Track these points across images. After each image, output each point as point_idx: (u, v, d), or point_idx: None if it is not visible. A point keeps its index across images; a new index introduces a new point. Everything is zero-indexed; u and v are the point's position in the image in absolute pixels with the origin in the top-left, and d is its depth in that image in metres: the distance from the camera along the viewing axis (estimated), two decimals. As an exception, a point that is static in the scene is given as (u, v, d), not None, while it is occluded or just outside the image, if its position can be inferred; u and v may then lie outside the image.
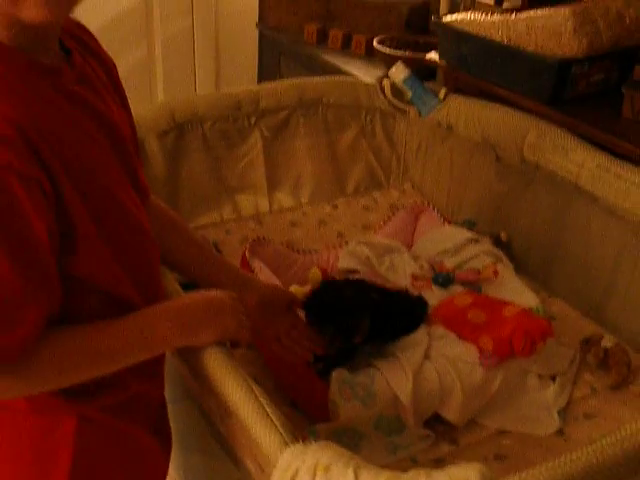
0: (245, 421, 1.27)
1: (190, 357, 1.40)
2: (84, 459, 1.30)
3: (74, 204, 1.14)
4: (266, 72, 3.64)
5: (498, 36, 2.31)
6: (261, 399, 1.29)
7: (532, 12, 2.26)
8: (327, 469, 1.12)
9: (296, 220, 2.42)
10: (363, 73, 3.08)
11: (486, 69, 2.37)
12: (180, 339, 1.34)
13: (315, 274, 1.85)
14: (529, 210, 2.26)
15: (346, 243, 2.19)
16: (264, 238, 2.09)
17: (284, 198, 2.47)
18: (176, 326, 1.32)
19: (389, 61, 2.99)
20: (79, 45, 1.28)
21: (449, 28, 2.45)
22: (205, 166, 2.34)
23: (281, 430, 1.23)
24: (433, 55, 2.63)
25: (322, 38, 3.37)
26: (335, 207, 2.49)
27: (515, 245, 2.26)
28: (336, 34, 3.31)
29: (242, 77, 3.72)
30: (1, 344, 1.09)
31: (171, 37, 3.63)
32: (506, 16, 2.31)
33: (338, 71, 3.13)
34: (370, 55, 3.22)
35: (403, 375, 1.64)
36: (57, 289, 1.14)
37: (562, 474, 1.13)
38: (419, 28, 3.27)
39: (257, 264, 1.92)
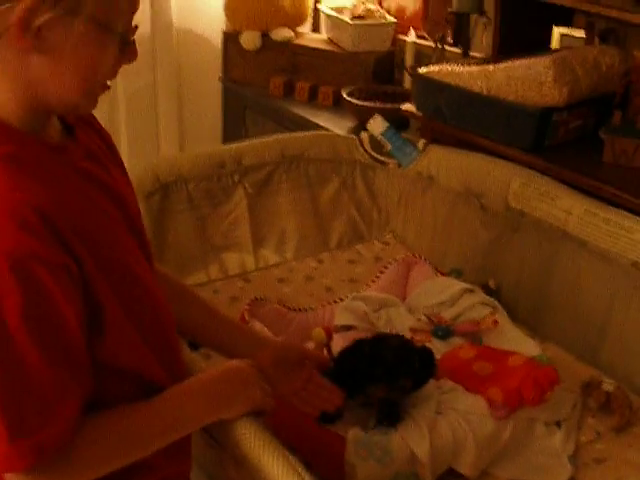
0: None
1: (219, 432, 1.38)
2: None
3: (99, 284, 1.13)
4: (231, 127, 3.65)
5: (477, 86, 2.35)
6: (300, 470, 1.28)
7: (510, 62, 2.30)
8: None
9: (283, 276, 2.42)
10: (331, 124, 3.11)
11: (466, 119, 2.40)
12: (210, 417, 1.33)
13: (319, 334, 1.84)
14: (517, 257, 2.29)
15: (340, 299, 2.18)
16: (261, 299, 2.09)
17: (269, 255, 2.47)
18: (204, 404, 1.32)
19: (358, 112, 3.04)
20: (79, 120, 1.27)
21: (427, 79, 2.48)
22: (190, 226, 2.33)
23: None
24: (409, 106, 2.65)
25: (288, 91, 3.39)
26: (320, 262, 2.50)
27: (504, 292, 2.28)
28: (303, 86, 3.33)
29: (206, 132, 3.72)
30: (40, 441, 1.07)
31: (134, 93, 3.61)
32: (484, 67, 2.35)
33: (306, 123, 3.15)
34: (337, 106, 3.25)
35: (419, 431, 1.64)
36: (89, 377, 1.13)
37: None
38: (385, 78, 3.31)
39: (257, 325, 1.91)
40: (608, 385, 1.96)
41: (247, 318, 1.94)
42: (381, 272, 2.25)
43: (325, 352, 1.85)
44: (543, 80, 2.21)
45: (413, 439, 1.63)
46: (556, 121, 2.29)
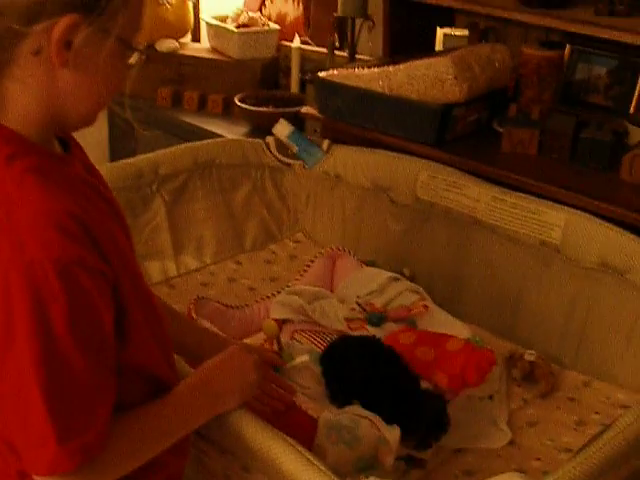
0: (292, 471, 1.33)
1: (213, 425, 1.44)
2: None
3: (124, 289, 1.19)
4: (118, 142, 3.66)
5: (379, 86, 2.48)
6: (299, 448, 1.37)
7: (409, 63, 2.45)
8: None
9: (206, 280, 2.49)
10: (224, 131, 3.20)
11: (369, 118, 2.53)
12: (217, 409, 1.41)
13: (271, 326, 1.93)
14: (429, 245, 2.43)
15: (267, 297, 2.27)
16: (203, 297, 2.15)
17: (189, 260, 2.53)
18: (209, 398, 1.40)
19: (251, 117, 3.13)
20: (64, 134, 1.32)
21: (327, 82, 2.60)
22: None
23: (330, 474, 1.32)
24: (308, 108, 2.77)
25: (177, 101, 3.44)
26: (239, 263, 2.58)
27: (419, 280, 2.41)
28: (191, 95, 3.40)
29: (92, 149, 3.71)
30: (86, 443, 1.13)
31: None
32: (384, 68, 2.49)
33: (198, 131, 3.22)
34: (227, 113, 3.34)
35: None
36: (116, 380, 1.18)
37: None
38: (271, 84, 3.42)
39: (205, 322, 1.98)
40: (529, 356, 2.12)
41: (194, 317, 2.00)
42: (307, 266, 2.34)
43: (275, 344, 1.93)
44: (444, 78, 2.36)
45: (384, 426, 1.72)
46: (455, 116, 2.45)
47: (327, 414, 1.72)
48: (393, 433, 1.69)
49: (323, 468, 1.33)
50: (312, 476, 1.32)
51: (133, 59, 1.19)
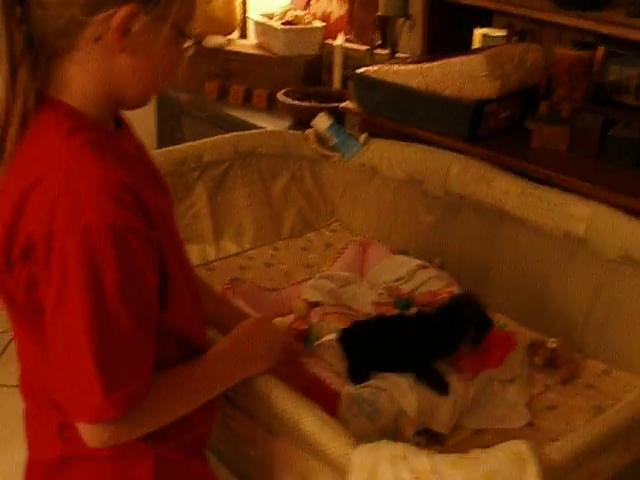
0: (310, 430, 1.43)
1: (241, 389, 1.54)
2: None
3: (168, 256, 1.30)
4: (167, 133, 3.79)
5: (415, 83, 2.57)
6: (318, 411, 1.46)
7: (445, 60, 2.53)
8: (404, 457, 1.31)
9: (244, 264, 2.59)
10: (267, 125, 3.30)
11: (405, 113, 2.63)
12: (245, 372, 1.51)
13: (300, 305, 2.03)
14: (459, 237, 2.52)
15: (303, 281, 2.37)
16: (237, 279, 2.26)
17: (229, 245, 2.64)
18: (237, 362, 1.50)
19: (294, 112, 3.23)
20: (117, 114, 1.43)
21: (367, 78, 2.70)
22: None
23: (349, 436, 1.41)
24: (348, 103, 2.87)
25: (223, 95, 3.57)
26: (276, 249, 2.68)
27: (448, 268, 2.49)
28: (237, 90, 3.52)
29: (141, 133, 3.85)
30: (129, 394, 1.23)
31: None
32: (420, 65, 2.58)
33: (242, 125, 3.33)
34: (271, 108, 3.45)
35: (408, 391, 1.83)
36: (156, 341, 1.29)
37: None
38: (314, 80, 3.52)
39: (240, 302, 2.09)
40: (552, 343, 2.20)
41: (230, 295, 2.11)
42: (340, 253, 2.44)
43: (304, 323, 2.03)
44: (477, 75, 2.45)
45: (402, 397, 1.82)
46: (487, 112, 2.54)
47: (349, 388, 1.82)
48: (411, 404, 1.77)
49: (343, 431, 1.42)
50: (332, 438, 1.41)
51: (187, 46, 1.29)
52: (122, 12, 1.19)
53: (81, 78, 1.25)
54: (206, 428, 1.52)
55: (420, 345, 1.90)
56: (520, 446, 1.33)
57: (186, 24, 1.26)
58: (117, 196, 1.18)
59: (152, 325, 1.27)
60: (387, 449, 1.34)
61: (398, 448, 1.34)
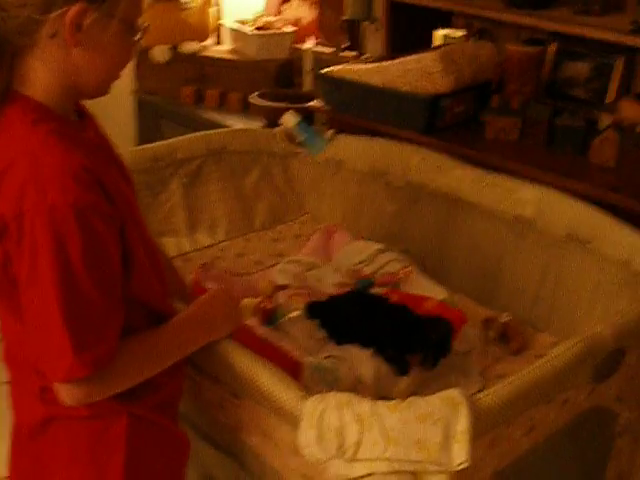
0: (266, 386, 1.58)
1: (205, 355, 1.69)
2: (135, 454, 1.52)
3: (130, 232, 1.44)
4: (146, 136, 3.93)
5: (374, 80, 2.73)
6: (274, 369, 1.61)
7: (402, 58, 2.69)
8: (349, 404, 1.46)
9: (217, 255, 2.74)
10: (241, 125, 3.45)
11: (367, 110, 2.79)
12: (205, 338, 1.65)
13: (266, 285, 2.18)
14: (419, 223, 2.67)
15: (273, 265, 2.52)
16: (206, 264, 2.41)
17: (203, 238, 2.79)
18: (201, 328, 1.64)
19: (266, 113, 3.38)
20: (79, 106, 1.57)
21: (330, 78, 2.86)
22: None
23: (299, 387, 1.56)
24: (316, 102, 3.03)
25: (199, 99, 3.72)
26: (248, 241, 2.83)
27: (412, 253, 2.65)
28: (212, 93, 3.67)
29: (121, 143, 4.00)
30: (97, 355, 1.37)
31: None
32: (379, 64, 2.74)
33: (218, 127, 3.47)
34: (246, 110, 3.60)
35: (365, 361, 1.98)
36: (122, 309, 1.43)
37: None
38: (286, 83, 3.68)
39: (209, 285, 2.23)
40: (504, 318, 2.35)
41: (200, 280, 2.26)
42: (307, 240, 2.60)
43: (270, 301, 2.19)
44: (432, 71, 2.61)
45: (360, 366, 1.96)
46: (443, 106, 2.70)
47: (310, 358, 1.97)
48: (368, 373, 1.92)
49: (296, 385, 1.56)
50: (285, 391, 1.56)
51: (137, 37, 1.43)
52: (73, 9, 1.33)
53: (42, 72, 1.38)
54: (174, 391, 1.66)
55: (388, 330, 2.05)
56: (454, 392, 1.48)
57: (134, 18, 1.41)
58: (78, 177, 1.32)
59: (116, 292, 1.41)
60: (334, 398, 1.48)
61: (343, 397, 1.48)
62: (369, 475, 1.43)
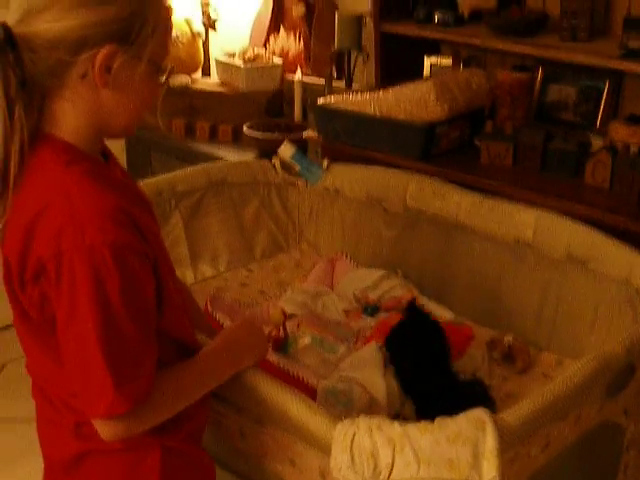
0: (296, 413, 1.62)
1: (231, 384, 1.73)
2: None
3: (162, 268, 1.48)
4: (136, 169, 3.97)
5: (370, 110, 2.79)
6: (302, 396, 1.66)
7: (397, 88, 2.76)
8: (379, 427, 1.51)
9: (221, 285, 2.78)
10: (233, 157, 3.50)
11: (362, 138, 2.85)
12: (237, 368, 1.69)
13: (277, 314, 2.23)
14: (418, 248, 2.73)
15: (281, 294, 2.57)
16: (215, 295, 2.45)
17: (206, 269, 2.83)
18: (228, 359, 1.68)
19: (259, 143, 3.44)
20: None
21: (327, 109, 2.92)
22: (138, 248, 2.67)
23: (328, 413, 1.61)
24: (310, 132, 3.09)
25: (189, 131, 3.77)
26: (250, 271, 2.88)
27: (410, 278, 2.71)
28: (203, 126, 3.72)
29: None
30: (136, 390, 1.41)
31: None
32: (374, 93, 2.81)
33: (210, 158, 3.51)
34: (236, 141, 3.66)
35: (376, 381, 2.04)
36: (156, 343, 1.47)
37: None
38: (276, 113, 3.74)
39: (219, 316, 2.28)
40: (508, 338, 2.41)
41: (210, 310, 2.30)
42: (308, 268, 2.65)
43: (281, 330, 2.23)
44: (427, 99, 2.68)
45: (373, 387, 2.02)
46: (439, 133, 2.76)
47: (325, 382, 2.02)
48: (381, 392, 1.97)
49: (325, 412, 1.61)
50: (315, 417, 1.60)
51: (163, 78, 1.48)
52: (103, 51, 1.37)
53: (71, 113, 1.42)
54: (203, 419, 1.70)
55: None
56: (480, 413, 1.53)
57: (161, 59, 1.45)
58: (115, 217, 1.35)
59: (152, 328, 1.45)
60: (364, 422, 1.53)
61: (374, 421, 1.53)
62: (404, 495, 1.47)
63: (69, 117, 1.42)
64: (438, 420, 1.52)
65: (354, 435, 1.52)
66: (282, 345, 2.22)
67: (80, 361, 1.39)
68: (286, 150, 2.92)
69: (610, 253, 2.27)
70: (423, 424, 1.52)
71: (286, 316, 2.23)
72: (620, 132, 2.57)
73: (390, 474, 1.47)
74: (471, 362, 2.30)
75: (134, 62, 1.40)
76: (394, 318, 2.32)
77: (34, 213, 1.37)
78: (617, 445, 2.07)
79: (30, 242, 1.37)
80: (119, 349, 1.38)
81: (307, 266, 2.82)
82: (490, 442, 1.48)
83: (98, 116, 1.43)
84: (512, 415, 1.57)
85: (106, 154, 1.55)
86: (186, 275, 2.80)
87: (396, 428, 1.51)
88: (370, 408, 2.02)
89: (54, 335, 1.41)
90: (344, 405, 1.98)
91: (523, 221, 2.45)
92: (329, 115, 2.92)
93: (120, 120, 1.46)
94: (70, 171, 1.39)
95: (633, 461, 2.14)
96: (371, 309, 2.42)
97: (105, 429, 1.44)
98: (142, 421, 1.47)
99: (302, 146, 3.26)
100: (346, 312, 2.42)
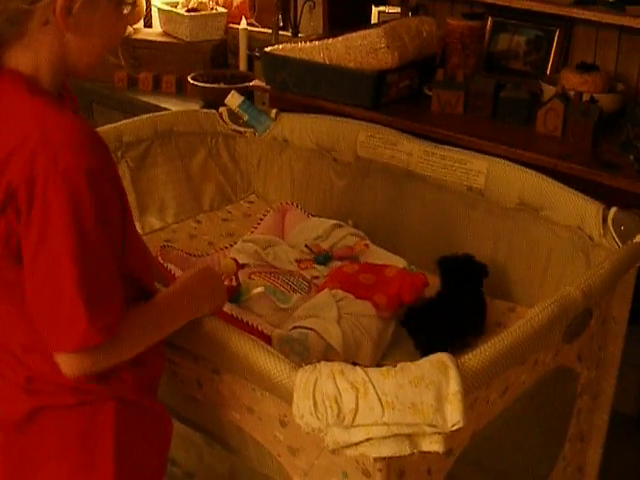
0: (257, 361, 1.59)
1: (189, 331, 1.70)
2: (124, 437, 1.52)
3: (126, 203, 1.45)
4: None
5: (320, 58, 2.75)
6: (262, 343, 1.63)
7: (347, 35, 2.72)
8: (342, 372, 1.49)
9: (169, 237, 2.73)
10: (178, 108, 3.43)
11: (311, 87, 2.81)
12: (196, 311, 1.66)
13: (229, 264, 2.19)
14: (369, 198, 2.70)
15: (226, 247, 2.53)
16: (166, 246, 2.40)
17: (153, 220, 2.77)
18: (192, 302, 1.64)
19: (204, 94, 3.38)
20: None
21: (273, 56, 2.87)
22: (83, 199, 2.60)
23: (287, 360, 1.58)
24: (257, 82, 3.03)
25: (133, 82, 3.68)
26: (199, 222, 2.83)
27: (361, 228, 2.68)
28: (146, 77, 3.64)
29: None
30: (109, 322, 1.37)
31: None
32: (324, 41, 2.76)
33: (154, 110, 3.44)
34: (181, 92, 3.59)
35: (330, 328, 2.02)
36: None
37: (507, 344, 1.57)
38: (221, 64, 3.67)
39: (171, 267, 2.23)
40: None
41: (161, 261, 2.25)
42: (260, 220, 2.61)
43: (233, 280, 2.19)
44: (377, 47, 2.64)
45: (327, 334, 2.00)
46: (389, 81, 2.73)
47: (279, 331, 1.99)
48: (337, 339, 1.95)
49: (285, 358, 1.58)
50: (277, 364, 1.57)
51: (126, 11, 1.43)
52: None
53: (35, 59, 1.38)
54: (157, 369, 1.67)
55: None
56: (442, 356, 1.51)
57: None
58: (88, 142, 1.33)
59: (115, 267, 1.40)
60: (326, 367, 1.51)
61: (336, 366, 1.51)
62: (367, 440, 1.46)
63: (32, 62, 1.39)
64: (401, 364, 1.51)
65: (316, 381, 1.49)
66: (235, 295, 2.18)
67: (50, 291, 1.34)
68: (233, 99, 2.87)
69: (562, 200, 2.27)
70: (386, 368, 1.50)
71: (239, 266, 2.19)
72: (571, 80, 2.57)
73: (354, 419, 1.45)
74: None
75: (95, 2, 1.37)
76: (350, 266, 2.30)
77: (8, 145, 1.33)
78: (571, 391, 2.09)
79: (2, 170, 1.33)
80: (93, 277, 1.34)
81: (256, 217, 2.78)
82: (453, 385, 1.47)
83: (62, 60, 1.40)
84: (474, 359, 1.56)
85: (62, 94, 1.50)
86: (134, 227, 2.73)
87: (359, 373, 1.48)
88: (326, 356, 2.00)
89: (16, 271, 1.36)
90: (299, 354, 1.96)
91: (475, 169, 2.43)
92: (277, 63, 2.87)
93: (84, 60, 1.42)
94: (36, 100, 1.36)
95: (586, 406, 2.16)
96: (323, 258, 2.39)
97: (71, 363, 1.40)
98: (110, 356, 1.43)
99: (248, 96, 3.21)
100: (298, 262, 2.39)
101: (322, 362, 1.53)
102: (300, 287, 2.28)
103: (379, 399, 1.45)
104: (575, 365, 2.03)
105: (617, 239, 2.10)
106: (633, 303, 2.12)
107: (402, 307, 2.18)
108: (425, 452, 1.48)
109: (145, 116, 2.79)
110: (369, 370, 1.48)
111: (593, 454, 2.28)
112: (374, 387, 1.46)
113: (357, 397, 1.46)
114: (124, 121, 2.73)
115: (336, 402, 1.46)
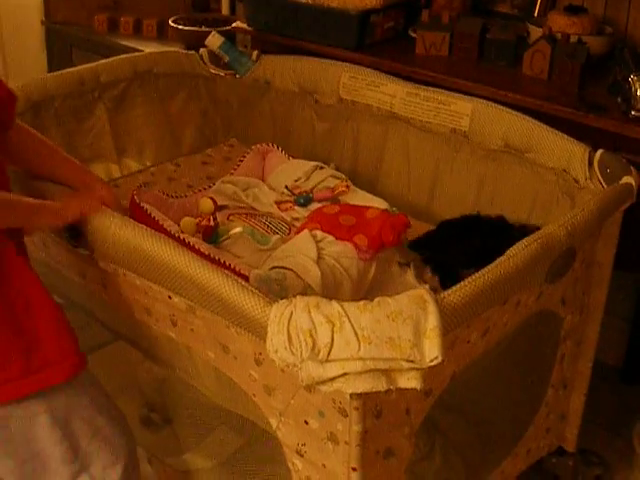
0: (230, 295, 1.55)
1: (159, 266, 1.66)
2: None
3: None
4: (57, 67, 3.80)
5: (303, -2, 2.69)
6: (235, 278, 1.58)
7: (330, -27, 2.65)
8: (317, 306, 1.45)
9: (147, 180, 2.68)
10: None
11: (294, 28, 2.74)
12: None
13: (207, 204, 2.14)
14: (351, 140, 2.65)
15: (210, 187, 2.48)
16: (142, 186, 2.35)
17: (131, 163, 2.72)
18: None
19: (185, 38, 3.31)
20: None
21: (255, -4, 2.80)
22: (59, 140, 2.53)
23: (261, 295, 1.54)
24: (238, 23, 2.97)
25: (113, 26, 3.61)
26: (178, 165, 2.78)
27: (344, 171, 2.63)
28: (127, 20, 3.57)
29: (32, 68, 3.87)
30: None
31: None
32: (306, -21, 2.70)
33: (134, 53, 3.38)
34: (161, 36, 3.51)
35: (309, 268, 1.97)
36: None
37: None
38: (203, 7, 3.60)
39: (147, 207, 2.18)
40: (443, 230, 2.36)
41: (137, 200, 2.20)
42: (240, 161, 2.56)
43: (211, 220, 2.15)
44: (361, -15, 2.58)
45: (307, 274, 1.95)
46: (373, 22, 2.67)
47: (257, 270, 1.94)
48: (315, 279, 1.91)
49: (259, 293, 1.54)
50: (251, 298, 1.53)
51: None
52: None
53: None
54: None
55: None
56: (421, 291, 1.47)
57: None
58: None
59: None
60: (301, 301, 1.46)
61: (311, 300, 1.47)
62: (343, 375, 1.42)
63: None
64: (378, 299, 1.47)
65: (291, 314, 1.45)
66: (212, 235, 2.13)
67: None
68: (214, 40, 2.80)
69: (548, 143, 2.22)
70: (362, 302, 1.46)
71: (217, 206, 2.14)
72: (559, 22, 2.52)
73: (329, 353, 1.41)
74: (406, 251, 2.24)
75: None
76: (330, 207, 2.25)
77: None
78: (554, 335, 2.06)
79: None
80: None
81: (236, 160, 2.72)
82: (432, 320, 1.43)
83: None
84: (454, 294, 1.52)
85: None
86: (111, 169, 2.69)
87: (335, 306, 1.44)
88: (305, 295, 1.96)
89: None
90: (277, 294, 1.90)
91: (459, 111, 2.38)
92: (259, 4, 2.79)
93: None
94: None
95: (570, 352, 2.13)
96: (304, 200, 2.34)
97: None
98: None
99: (230, 38, 3.14)
100: (278, 203, 2.34)
101: (298, 296, 1.48)
102: (279, 229, 2.24)
103: (355, 333, 1.41)
104: (559, 309, 2.00)
105: (603, 182, 2.06)
106: (618, 248, 2.08)
107: (382, 248, 2.13)
108: (403, 389, 1.44)
109: (124, 56, 2.73)
110: (345, 304, 1.44)
111: (576, 402, 2.26)
112: (350, 321, 1.42)
113: (333, 331, 1.42)
114: (102, 61, 2.67)
115: (311, 336, 1.42)
